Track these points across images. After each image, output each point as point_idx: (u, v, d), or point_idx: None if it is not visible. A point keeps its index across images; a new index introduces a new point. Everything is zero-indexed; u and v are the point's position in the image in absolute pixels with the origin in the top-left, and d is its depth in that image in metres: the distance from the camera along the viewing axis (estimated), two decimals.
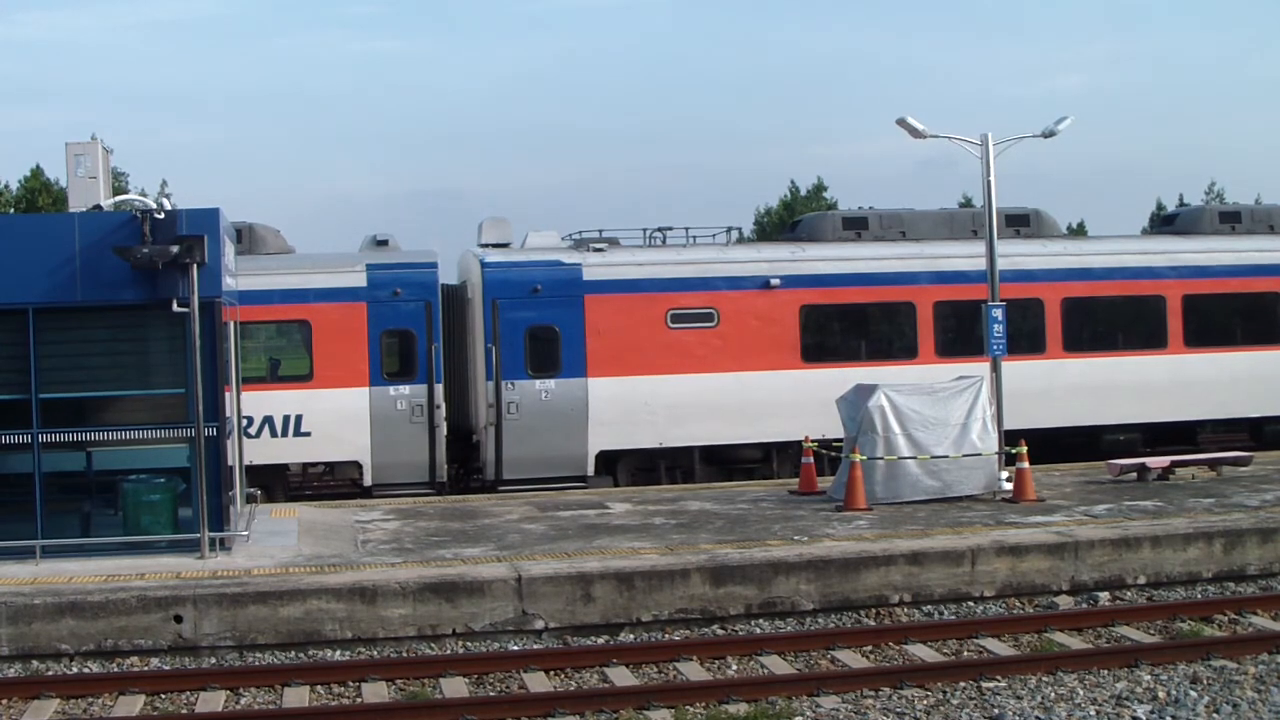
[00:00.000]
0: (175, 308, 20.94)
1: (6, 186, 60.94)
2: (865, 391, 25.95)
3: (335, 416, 29.82)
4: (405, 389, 30.18)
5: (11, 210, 57.14)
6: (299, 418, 29.72)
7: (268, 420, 29.47)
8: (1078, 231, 58.45)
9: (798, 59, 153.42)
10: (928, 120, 26.87)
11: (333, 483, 32.66)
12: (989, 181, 26.69)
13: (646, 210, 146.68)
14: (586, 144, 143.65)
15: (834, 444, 27.87)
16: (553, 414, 30.63)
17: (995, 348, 26.39)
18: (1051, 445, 31.37)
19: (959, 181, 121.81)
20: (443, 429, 30.24)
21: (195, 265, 20.72)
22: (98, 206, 22.49)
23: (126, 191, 43.44)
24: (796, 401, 30.63)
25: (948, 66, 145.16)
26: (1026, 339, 32.33)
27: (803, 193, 73.93)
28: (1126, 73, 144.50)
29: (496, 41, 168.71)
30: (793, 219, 44.03)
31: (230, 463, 22.32)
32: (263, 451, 29.06)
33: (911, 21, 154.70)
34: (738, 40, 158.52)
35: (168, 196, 53.19)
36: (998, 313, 26.36)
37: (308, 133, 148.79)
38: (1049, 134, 27.30)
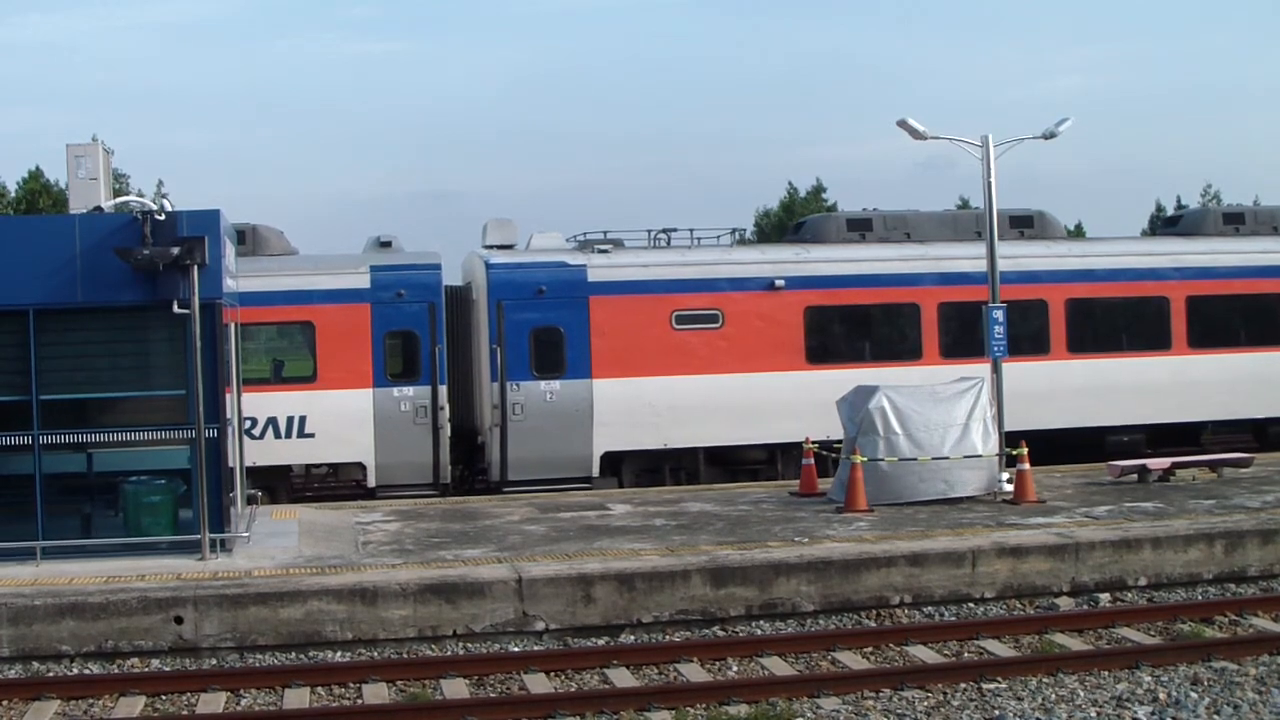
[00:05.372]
0: (176, 309, 20.98)
1: (6, 188, 60.99)
2: (865, 393, 25.96)
3: (339, 418, 29.81)
4: (409, 390, 30.18)
5: (11, 212, 57.10)
6: (303, 419, 29.71)
7: (271, 421, 29.46)
8: (1076, 233, 58.37)
9: (794, 61, 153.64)
10: (925, 122, 26.90)
11: (336, 484, 32.64)
12: (989, 183, 26.68)
13: (646, 212, 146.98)
14: (585, 146, 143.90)
15: (836, 445, 27.83)
16: (558, 415, 30.62)
17: (996, 349, 26.39)
18: (1055, 446, 31.33)
19: (956, 183, 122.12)
20: (446, 430, 30.22)
21: (196, 266, 20.75)
22: (98, 208, 22.51)
23: (127, 193, 43.50)
24: (801, 402, 30.57)
25: (944, 68, 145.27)
26: (1031, 340, 32.29)
27: (801, 194, 73.86)
28: (1123, 75, 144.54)
29: (494, 44, 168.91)
30: (792, 220, 43.99)
31: (231, 464, 22.35)
32: (266, 453, 29.10)
33: (908, 23, 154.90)
34: (736, 42, 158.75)
35: (165, 197, 53.20)
36: (999, 314, 26.36)
37: (309, 135, 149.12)
38: (1049, 135, 27.29)
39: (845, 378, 28.60)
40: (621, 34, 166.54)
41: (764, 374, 31.42)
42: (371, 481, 30.12)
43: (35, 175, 60.04)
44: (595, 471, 30.89)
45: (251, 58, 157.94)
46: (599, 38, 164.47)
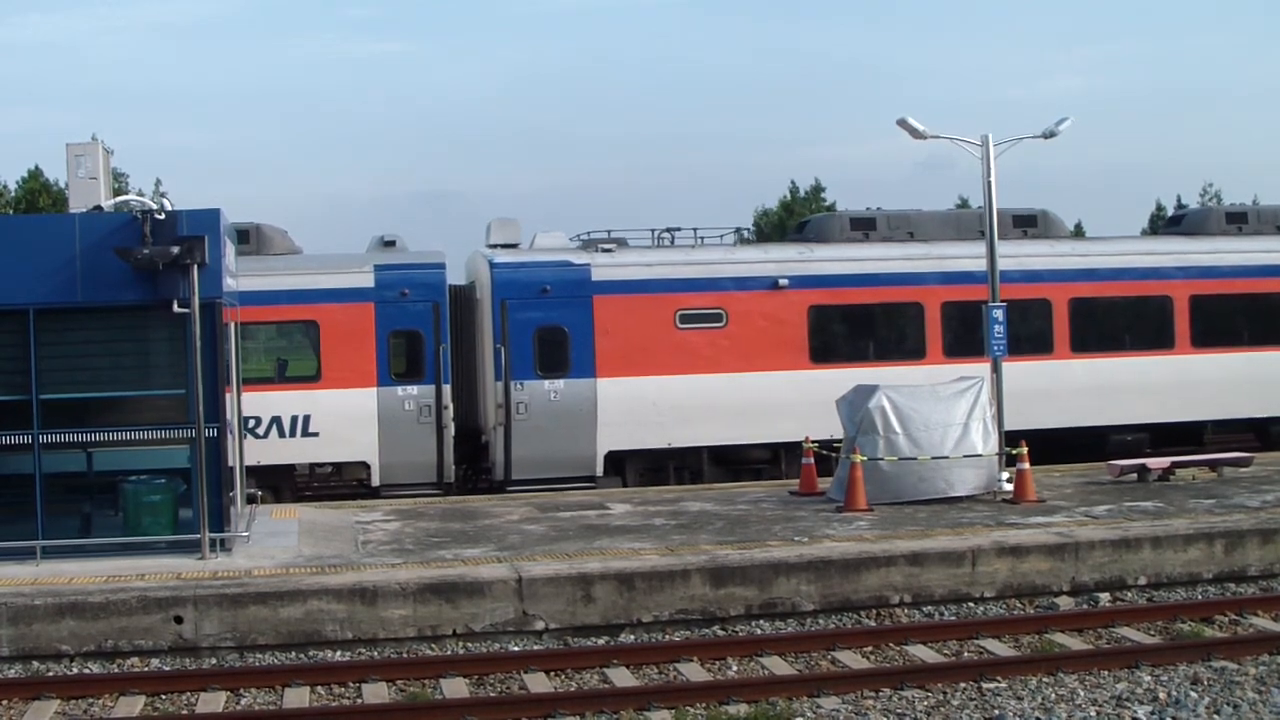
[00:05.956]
0: (176, 308, 20.99)
1: (5, 187, 61.04)
2: (865, 392, 25.97)
3: (343, 417, 29.85)
4: (413, 389, 30.21)
5: (11, 211, 57.17)
6: (307, 418, 29.74)
7: (275, 421, 29.50)
8: (1075, 233, 58.45)
9: (794, 61, 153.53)
10: (925, 122, 26.87)
11: (340, 483, 32.63)
12: (989, 182, 26.66)
13: (646, 213, 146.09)
14: (585, 146, 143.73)
15: (837, 444, 27.75)
16: (561, 414, 30.65)
17: (995, 348, 26.37)
18: (1058, 446, 31.34)
19: (956, 183, 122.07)
20: (450, 429, 30.27)
21: (195, 266, 20.75)
22: (98, 207, 22.52)
23: (126, 192, 43.47)
24: (805, 402, 30.49)
25: (944, 68, 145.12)
26: (1034, 339, 32.31)
27: (801, 194, 73.80)
28: (1123, 75, 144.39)
29: (494, 44, 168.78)
30: (791, 220, 43.97)
31: (230, 463, 22.37)
32: (270, 452, 29.15)
33: (907, 24, 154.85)
34: (736, 42, 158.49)
35: (164, 195, 53.26)
36: (998, 313, 26.35)
37: (309, 135, 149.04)
38: (1049, 135, 27.26)
39: (849, 377, 28.56)
40: (621, 34, 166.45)
41: (767, 373, 31.43)
42: (375, 481, 30.16)
43: (35, 175, 60.04)
44: (599, 471, 30.92)
45: (251, 58, 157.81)
46: (599, 38, 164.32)
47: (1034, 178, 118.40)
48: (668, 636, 19.56)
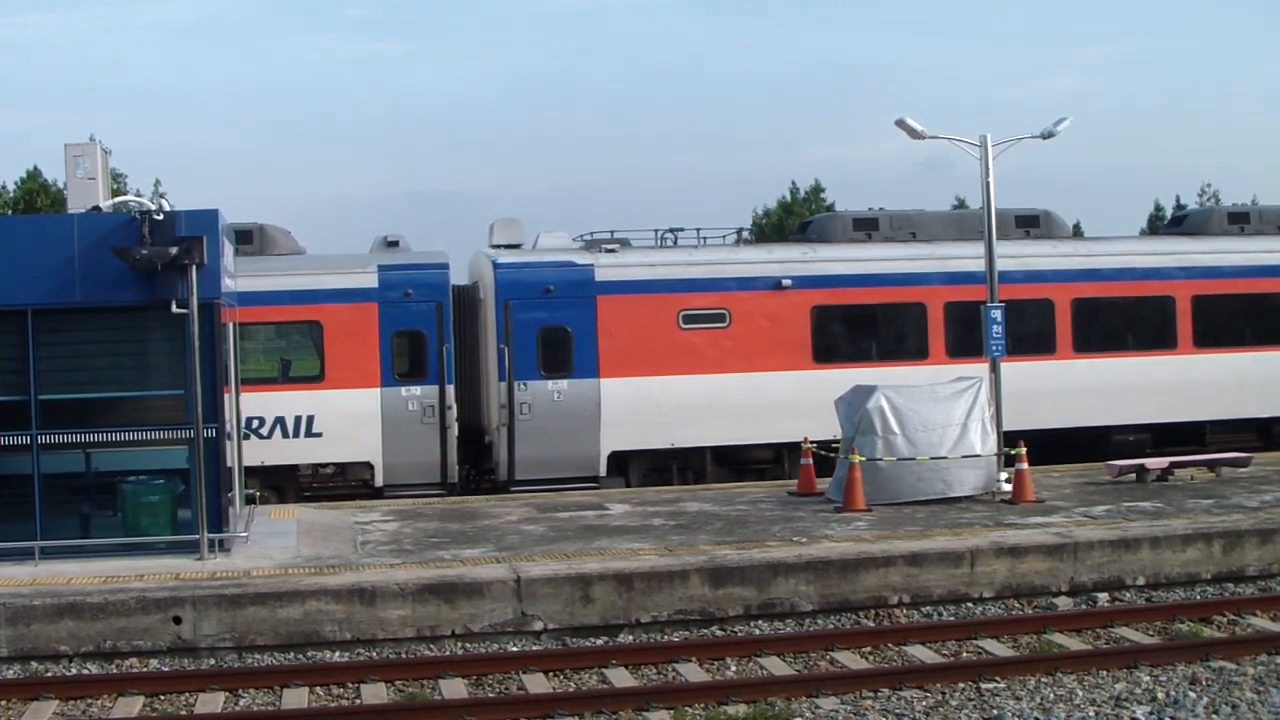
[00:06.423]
0: (174, 309, 20.97)
1: (4, 187, 61.11)
2: (863, 392, 25.94)
3: (347, 417, 29.87)
4: (417, 389, 30.21)
5: (9, 212, 57.17)
6: (310, 418, 29.76)
7: (279, 421, 29.52)
8: (1074, 233, 58.41)
9: (794, 61, 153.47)
10: (925, 122, 26.85)
11: (343, 484, 32.65)
12: (988, 183, 26.62)
13: (645, 214, 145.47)
14: (585, 146, 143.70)
15: (837, 445, 27.75)
16: (565, 415, 30.65)
17: (994, 349, 26.34)
18: (1060, 446, 31.33)
19: (956, 183, 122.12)
20: (454, 430, 30.29)
21: (194, 266, 20.75)
22: (96, 208, 22.52)
23: (125, 193, 43.50)
24: (808, 402, 30.41)
25: (944, 68, 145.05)
26: (1037, 340, 32.32)
27: (801, 194, 73.75)
28: (1122, 75, 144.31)
29: (494, 44, 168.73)
30: (791, 221, 43.93)
31: (229, 464, 22.40)
32: (274, 452, 29.19)
33: (907, 24, 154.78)
34: (734, 42, 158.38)
35: (163, 196, 53.21)
36: (997, 314, 26.32)
37: (309, 135, 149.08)
38: (1048, 135, 27.21)
39: (852, 377, 28.53)
40: (621, 34, 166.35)
41: (770, 373, 31.43)
42: (379, 481, 30.17)
43: (33, 175, 60.08)
44: (602, 471, 30.94)
45: (251, 57, 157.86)
46: (599, 38, 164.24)
47: (1033, 178, 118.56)
48: (666, 637, 19.55)
